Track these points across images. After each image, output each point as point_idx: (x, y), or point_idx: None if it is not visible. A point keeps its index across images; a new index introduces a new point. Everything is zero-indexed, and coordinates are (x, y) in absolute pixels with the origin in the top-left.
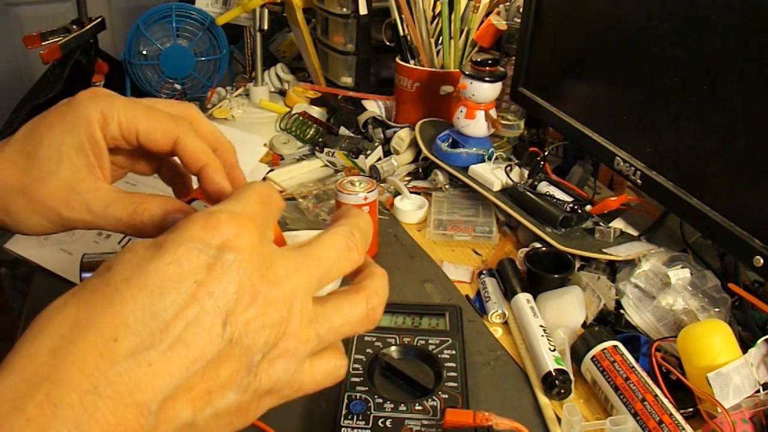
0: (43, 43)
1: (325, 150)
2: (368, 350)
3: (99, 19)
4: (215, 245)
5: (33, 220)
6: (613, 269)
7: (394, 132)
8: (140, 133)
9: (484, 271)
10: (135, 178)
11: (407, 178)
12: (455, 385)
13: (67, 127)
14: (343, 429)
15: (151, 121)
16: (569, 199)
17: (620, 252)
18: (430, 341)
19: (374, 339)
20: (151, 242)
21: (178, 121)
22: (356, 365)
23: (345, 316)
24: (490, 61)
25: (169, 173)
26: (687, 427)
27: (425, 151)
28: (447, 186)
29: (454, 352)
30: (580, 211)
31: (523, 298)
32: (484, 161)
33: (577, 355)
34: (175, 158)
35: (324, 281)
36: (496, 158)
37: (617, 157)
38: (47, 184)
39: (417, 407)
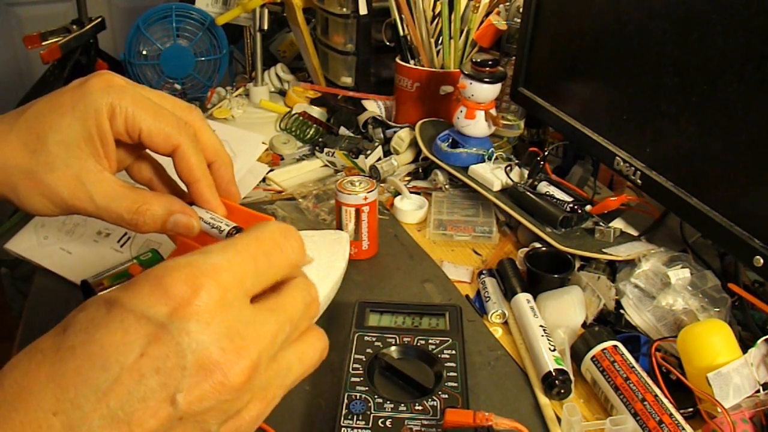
0: (43, 43)
1: (325, 150)
2: (368, 350)
3: (99, 19)
4: (163, 313)
5: (39, 202)
6: (613, 269)
7: (394, 132)
8: (143, 132)
9: (484, 271)
10: None
11: (407, 178)
12: (455, 385)
13: (77, 115)
14: (343, 429)
15: (156, 123)
16: (569, 199)
17: (620, 252)
18: (430, 341)
19: (374, 339)
20: (104, 301)
21: (183, 128)
22: (356, 365)
23: (307, 361)
24: (490, 62)
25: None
26: (687, 427)
27: (425, 151)
28: (447, 186)
29: (454, 352)
30: (580, 211)
31: (523, 298)
32: (484, 161)
33: (577, 355)
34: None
35: (287, 341)
36: (496, 158)
37: (617, 157)
38: (56, 170)
39: (417, 407)
